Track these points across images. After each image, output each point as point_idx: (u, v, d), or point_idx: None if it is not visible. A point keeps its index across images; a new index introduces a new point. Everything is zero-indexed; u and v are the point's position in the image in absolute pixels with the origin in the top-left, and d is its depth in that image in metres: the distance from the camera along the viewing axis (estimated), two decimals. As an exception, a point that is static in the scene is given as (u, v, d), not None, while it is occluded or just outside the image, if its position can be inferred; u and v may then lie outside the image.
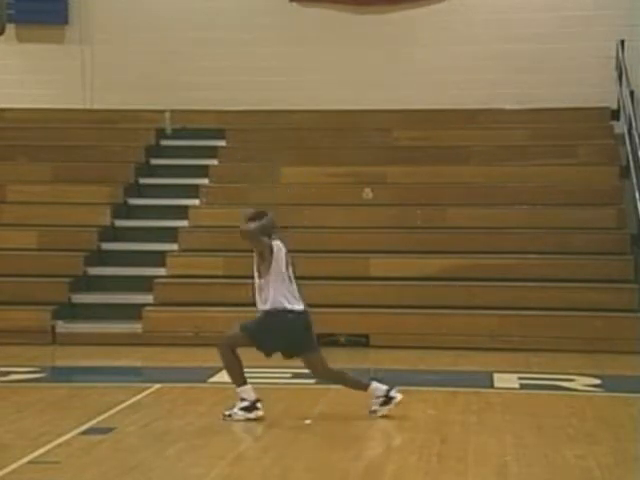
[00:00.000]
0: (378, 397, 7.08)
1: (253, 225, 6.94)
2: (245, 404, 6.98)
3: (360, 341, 10.59)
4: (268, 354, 7.10)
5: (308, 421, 7.01)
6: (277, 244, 7.04)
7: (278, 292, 6.94)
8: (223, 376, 8.66)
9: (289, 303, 6.98)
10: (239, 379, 7.03)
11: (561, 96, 13.03)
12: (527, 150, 12.61)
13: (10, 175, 12.81)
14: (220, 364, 8.86)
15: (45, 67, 13.98)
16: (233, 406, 7.02)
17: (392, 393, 7.09)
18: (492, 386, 8.56)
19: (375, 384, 7.14)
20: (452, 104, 13.20)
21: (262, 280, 6.98)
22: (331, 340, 10.59)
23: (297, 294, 7.08)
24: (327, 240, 11.50)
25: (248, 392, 7.01)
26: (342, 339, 10.63)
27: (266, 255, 6.95)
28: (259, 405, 7.00)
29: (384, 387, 7.12)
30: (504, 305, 10.63)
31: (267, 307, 6.97)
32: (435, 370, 9.42)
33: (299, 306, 7.05)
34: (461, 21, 13.56)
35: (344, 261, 11.25)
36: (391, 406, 7.08)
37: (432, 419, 7.20)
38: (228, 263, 11.17)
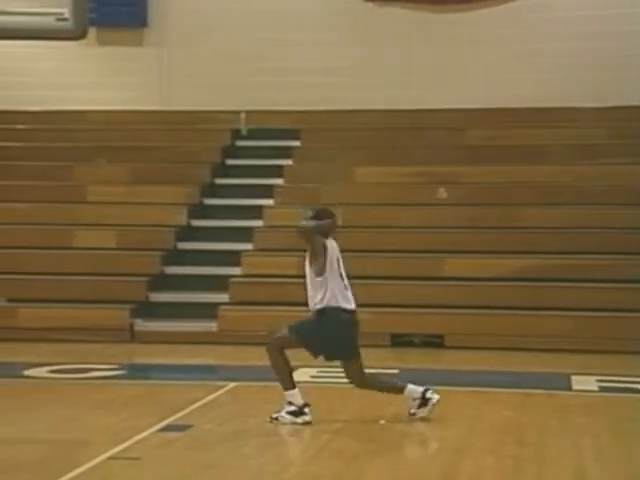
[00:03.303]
0: (415, 399, 6.96)
1: (311, 223, 6.89)
2: (292, 408, 6.91)
3: (434, 342, 10.54)
4: (316, 355, 6.99)
5: (382, 421, 7.00)
6: (331, 244, 6.99)
7: (333, 291, 6.86)
8: (298, 375, 8.73)
9: (344, 302, 6.90)
10: (287, 382, 6.96)
11: (640, 94, 12.80)
12: (605, 149, 12.39)
13: (90, 176, 13.07)
14: (294, 363, 8.95)
15: (124, 69, 14.23)
16: (280, 409, 6.97)
17: (428, 394, 6.96)
18: (570, 388, 8.43)
19: (410, 386, 7.00)
20: (528, 102, 13.04)
21: (318, 279, 6.90)
22: (406, 340, 10.58)
23: (350, 295, 6.98)
24: (401, 240, 11.47)
25: (295, 396, 6.93)
26: (416, 339, 10.60)
27: (319, 254, 6.88)
28: (307, 410, 6.91)
29: (420, 389, 6.99)
30: (580, 306, 10.46)
31: (321, 306, 6.87)
32: (510, 371, 9.32)
33: (351, 306, 6.96)
34: (538, 19, 13.39)
35: (418, 261, 11.21)
36: (429, 407, 6.95)
37: (508, 420, 7.13)
38: (302, 263, 11.18)
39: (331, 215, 7.05)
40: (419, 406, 6.96)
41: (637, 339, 10.12)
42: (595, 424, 7.05)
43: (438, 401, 7.00)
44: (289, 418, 6.91)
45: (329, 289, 6.88)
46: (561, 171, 12.25)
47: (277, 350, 7.03)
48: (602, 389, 8.40)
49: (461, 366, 9.58)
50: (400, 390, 7.03)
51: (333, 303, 6.87)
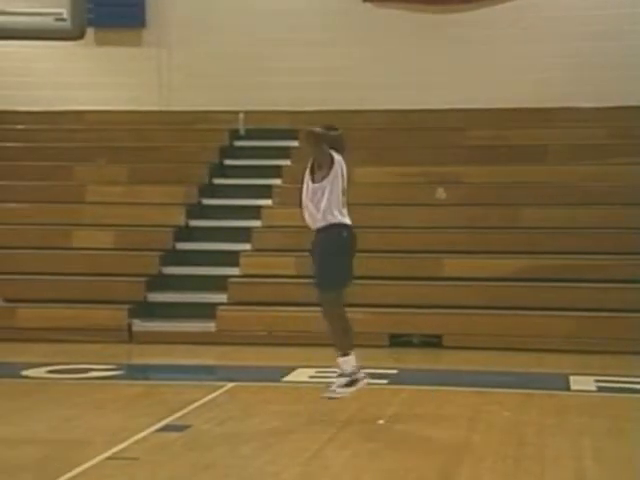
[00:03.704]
0: (344, 375, 6.74)
1: (319, 129, 6.75)
2: (343, 380, 6.77)
3: (433, 342, 10.53)
4: (319, 282, 6.69)
5: (381, 421, 6.99)
6: (339, 158, 6.83)
7: (332, 204, 6.68)
8: (297, 375, 8.74)
9: (343, 217, 6.73)
10: (344, 344, 6.68)
11: (640, 94, 12.80)
12: (605, 149, 12.39)
13: (89, 176, 13.06)
14: (292, 363, 8.96)
15: (123, 69, 14.22)
16: (331, 384, 6.82)
17: (361, 376, 6.73)
18: (568, 389, 8.43)
19: (350, 358, 6.72)
20: (528, 102, 13.04)
21: (316, 185, 6.70)
22: (404, 340, 10.57)
23: (345, 211, 6.78)
24: (400, 240, 11.46)
25: (348, 363, 6.70)
26: (415, 340, 10.59)
27: (324, 164, 6.71)
28: (358, 376, 6.72)
29: (352, 367, 6.70)
30: (580, 306, 10.45)
31: (323, 223, 6.67)
32: (509, 372, 9.31)
33: (349, 221, 6.78)
34: (537, 18, 13.39)
35: (417, 261, 11.20)
36: (352, 389, 6.75)
37: (508, 421, 7.12)
38: (300, 263, 11.19)
39: (336, 128, 6.87)
40: (345, 384, 6.75)
41: (637, 339, 10.11)
42: (594, 424, 7.04)
43: (364, 385, 6.75)
44: (341, 391, 6.76)
45: (328, 201, 6.67)
46: (561, 171, 12.24)
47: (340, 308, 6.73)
48: (600, 389, 8.39)
49: (460, 366, 9.57)
50: (346, 349, 6.73)
51: (331, 218, 6.68)
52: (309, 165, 6.93)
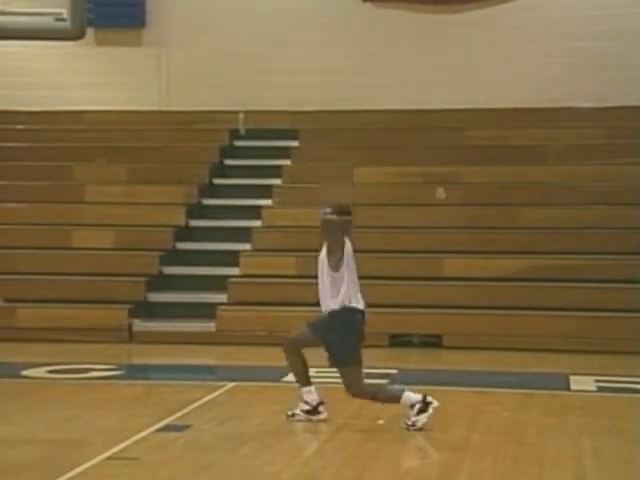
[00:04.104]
0: (412, 406, 6.69)
1: (335, 217, 6.85)
2: (307, 407, 6.91)
3: (433, 342, 10.53)
4: (330, 355, 6.81)
5: (381, 421, 6.99)
6: (348, 243, 6.98)
7: (348, 291, 6.82)
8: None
9: (357, 303, 6.87)
10: (302, 379, 6.93)
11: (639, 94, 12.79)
12: (605, 149, 12.39)
13: (89, 176, 13.06)
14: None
15: (122, 69, 14.22)
16: (297, 406, 6.97)
17: (429, 398, 6.72)
18: (568, 389, 8.43)
19: (407, 393, 6.76)
20: (528, 102, 13.04)
21: (335, 274, 6.81)
22: (404, 340, 10.57)
23: (359, 295, 6.92)
24: (400, 240, 11.47)
25: (310, 394, 6.91)
26: (415, 340, 10.59)
27: (337, 250, 6.83)
28: (321, 408, 6.91)
29: (418, 396, 6.73)
30: (580, 306, 10.45)
31: (336, 306, 6.81)
32: (509, 372, 9.31)
33: (362, 306, 6.91)
34: (537, 19, 13.39)
35: (417, 261, 11.20)
36: (430, 412, 6.67)
37: (507, 421, 7.12)
38: (301, 263, 11.21)
39: (349, 212, 6.94)
40: (419, 411, 6.70)
41: (637, 339, 10.11)
42: (594, 424, 7.04)
43: (438, 406, 6.82)
44: (304, 416, 6.91)
45: (344, 287, 6.80)
46: (561, 171, 12.24)
47: (293, 347, 6.97)
48: (600, 389, 8.39)
49: (460, 366, 9.57)
50: (397, 398, 6.80)
51: (347, 303, 6.81)
52: (324, 249, 6.95)
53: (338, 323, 6.83)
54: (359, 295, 6.93)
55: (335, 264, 6.84)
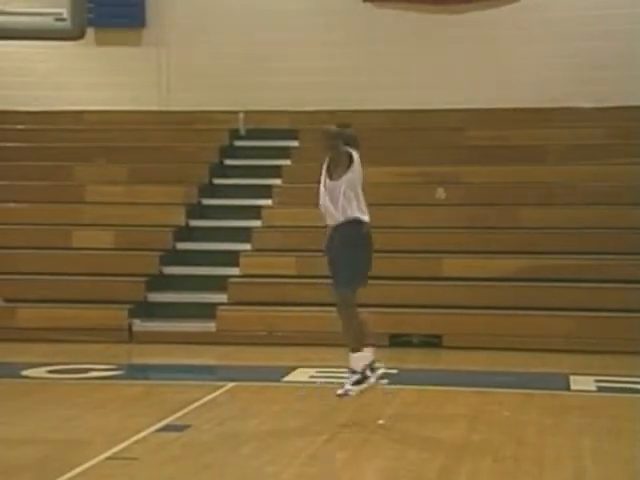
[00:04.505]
0: (356, 372, 6.76)
1: (334, 128, 6.77)
2: (355, 378, 6.79)
3: (433, 342, 10.53)
4: (338, 281, 6.72)
5: (381, 421, 6.99)
6: (357, 156, 6.86)
7: (351, 201, 6.71)
8: (297, 375, 8.75)
9: (361, 214, 6.77)
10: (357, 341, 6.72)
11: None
12: (605, 149, 12.39)
13: (89, 176, 13.06)
14: (292, 363, 8.96)
15: (122, 69, 14.22)
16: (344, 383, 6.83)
17: (369, 373, 6.74)
18: (568, 389, 8.43)
19: (367, 354, 6.74)
20: (528, 102, 13.04)
21: (335, 182, 6.72)
22: (404, 340, 10.57)
23: (365, 207, 6.83)
24: (400, 240, 11.45)
25: (361, 359, 6.71)
26: (415, 340, 10.59)
27: (342, 163, 6.75)
28: (369, 373, 6.73)
29: (369, 360, 6.73)
30: (580, 306, 10.45)
31: (342, 218, 6.68)
32: (509, 372, 9.31)
33: (367, 218, 6.82)
34: (536, 19, 13.38)
35: (417, 261, 11.20)
36: (363, 386, 6.75)
37: (507, 421, 7.13)
38: (301, 263, 11.22)
39: (350, 127, 6.96)
40: (356, 382, 6.76)
41: (637, 339, 10.11)
42: (594, 424, 7.04)
43: (378, 387, 6.80)
44: (355, 389, 6.77)
45: (346, 198, 6.70)
46: (561, 171, 12.24)
47: (352, 306, 6.78)
48: (600, 389, 8.39)
49: (460, 366, 9.58)
50: (360, 346, 6.75)
51: (350, 214, 6.71)
52: (325, 164, 6.94)
53: (342, 236, 6.73)
54: (364, 207, 6.82)
55: (337, 174, 6.74)
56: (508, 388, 8.32)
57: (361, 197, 6.85)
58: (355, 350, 6.85)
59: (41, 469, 5.84)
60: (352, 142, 6.91)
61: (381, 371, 6.87)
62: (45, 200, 12.57)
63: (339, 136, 6.81)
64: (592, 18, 13.20)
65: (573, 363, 9.56)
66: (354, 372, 6.86)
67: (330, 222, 6.89)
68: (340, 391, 6.89)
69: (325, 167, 6.93)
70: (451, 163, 12.48)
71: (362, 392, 6.84)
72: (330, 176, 6.87)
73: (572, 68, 13.13)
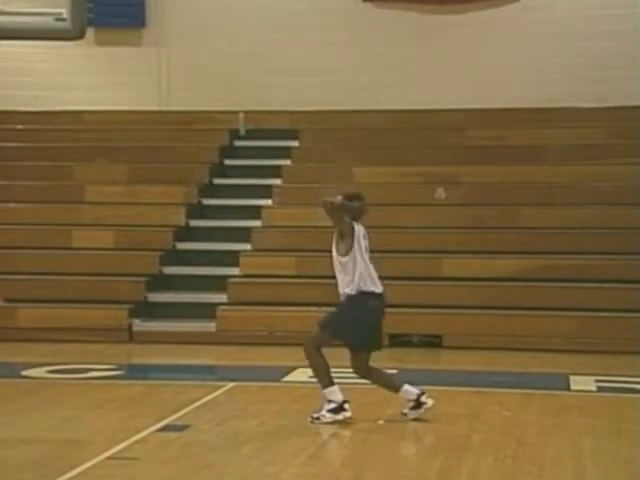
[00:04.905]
0: (409, 401, 6.98)
1: (339, 200, 6.90)
2: (332, 406, 6.91)
3: (433, 342, 10.53)
4: (353, 345, 6.95)
5: (380, 421, 7.00)
6: (358, 227, 6.99)
7: (362, 275, 6.88)
8: (297, 375, 8.75)
9: (372, 286, 6.92)
10: (325, 380, 6.95)
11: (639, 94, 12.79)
12: (604, 149, 12.39)
13: (89, 176, 13.06)
14: (292, 363, 8.96)
15: (122, 69, 14.22)
16: (320, 409, 6.95)
17: (423, 398, 6.96)
18: (568, 389, 8.43)
19: (406, 387, 7.01)
20: (528, 102, 13.04)
21: (344, 259, 6.89)
22: (404, 340, 10.57)
23: (376, 276, 6.99)
24: (400, 240, 11.46)
25: (335, 393, 6.92)
26: (415, 340, 10.59)
27: (346, 234, 6.89)
28: (347, 406, 6.92)
29: (416, 391, 7.00)
30: (580, 306, 10.46)
31: (351, 291, 6.87)
32: (509, 372, 9.31)
33: (380, 289, 6.99)
34: (536, 19, 13.38)
35: (417, 261, 11.20)
36: (421, 411, 6.96)
37: (507, 421, 7.13)
38: (300, 263, 11.22)
39: (361, 198, 7.05)
40: (412, 408, 6.99)
41: (637, 339, 10.11)
42: (594, 424, 7.04)
43: (431, 406, 6.99)
44: (330, 416, 6.89)
45: (357, 272, 6.87)
46: (561, 171, 12.24)
47: (313, 349, 7.00)
48: (600, 389, 8.39)
49: (460, 366, 9.58)
50: (397, 389, 7.05)
51: (362, 287, 6.89)
52: (335, 235, 7.03)
53: (354, 307, 6.90)
54: (376, 279, 6.98)
55: (344, 250, 6.91)
56: (508, 388, 8.33)
57: (364, 267, 6.94)
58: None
59: (41, 469, 5.84)
60: (358, 215, 7.02)
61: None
62: (45, 200, 12.57)
63: (343, 208, 6.91)
64: (592, 18, 13.20)
65: (573, 363, 9.56)
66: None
67: (342, 296, 7.02)
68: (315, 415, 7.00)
69: (335, 237, 7.02)
70: (451, 163, 12.48)
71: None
72: (338, 249, 6.99)
73: (572, 68, 13.13)
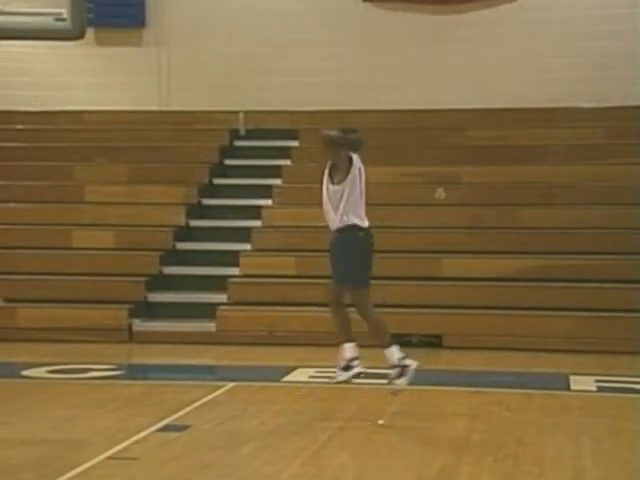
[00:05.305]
0: (394, 367, 6.91)
1: (335, 132, 6.84)
2: (341, 364, 6.93)
3: (433, 342, 10.53)
4: (338, 279, 6.87)
5: (381, 421, 6.99)
6: (357, 159, 6.94)
7: (350, 207, 6.83)
8: (297, 375, 8.76)
9: (359, 220, 6.88)
10: (341, 337, 6.90)
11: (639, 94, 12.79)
12: (604, 149, 12.39)
13: (89, 176, 13.07)
14: (292, 363, 8.97)
15: (122, 69, 14.22)
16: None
17: (407, 361, 6.91)
18: (568, 388, 8.43)
19: (394, 349, 6.93)
20: (528, 102, 13.04)
21: (336, 187, 6.83)
22: (404, 341, 10.55)
23: (364, 214, 6.95)
24: (400, 240, 11.45)
25: (345, 351, 6.89)
26: (415, 340, 10.59)
27: (342, 168, 6.84)
28: (354, 363, 6.90)
29: (400, 354, 6.91)
30: (580, 306, 10.46)
31: (341, 224, 6.81)
32: (509, 372, 9.32)
33: (366, 223, 6.94)
34: (536, 19, 13.39)
35: (417, 261, 11.20)
36: (409, 377, 6.89)
37: (507, 421, 7.13)
38: (300, 263, 11.22)
39: (355, 132, 6.99)
40: (397, 375, 6.91)
41: (637, 339, 10.11)
42: (594, 424, 7.04)
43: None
44: (340, 373, 6.92)
45: (346, 204, 6.81)
46: (561, 171, 12.24)
47: (332, 305, 6.98)
48: (600, 389, 8.39)
49: (460, 366, 9.58)
50: (386, 344, 6.93)
51: (351, 219, 6.84)
52: (328, 167, 6.99)
53: (340, 241, 6.86)
54: (363, 214, 6.94)
55: (338, 178, 6.83)
56: (508, 388, 8.33)
57: (360, 202, 6.89)
58: (386, 345, 6.91)
59: (41, 469, 5.84)
60: (356, 147, 6.94)
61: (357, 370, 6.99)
62: (45, 200, 12.57)
63: (339, 141, 6.83)
64: (592, 18, 13.20)
65: (573, 363, 9.56)
66: (393, 367, 6.92)
67: (330, 226, 6.94)
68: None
69: (327, 170, 6.97)
70: (451, 163, 12.48)
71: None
72: (332, 180, 6.91)
73: (572, 68, 13.13)
